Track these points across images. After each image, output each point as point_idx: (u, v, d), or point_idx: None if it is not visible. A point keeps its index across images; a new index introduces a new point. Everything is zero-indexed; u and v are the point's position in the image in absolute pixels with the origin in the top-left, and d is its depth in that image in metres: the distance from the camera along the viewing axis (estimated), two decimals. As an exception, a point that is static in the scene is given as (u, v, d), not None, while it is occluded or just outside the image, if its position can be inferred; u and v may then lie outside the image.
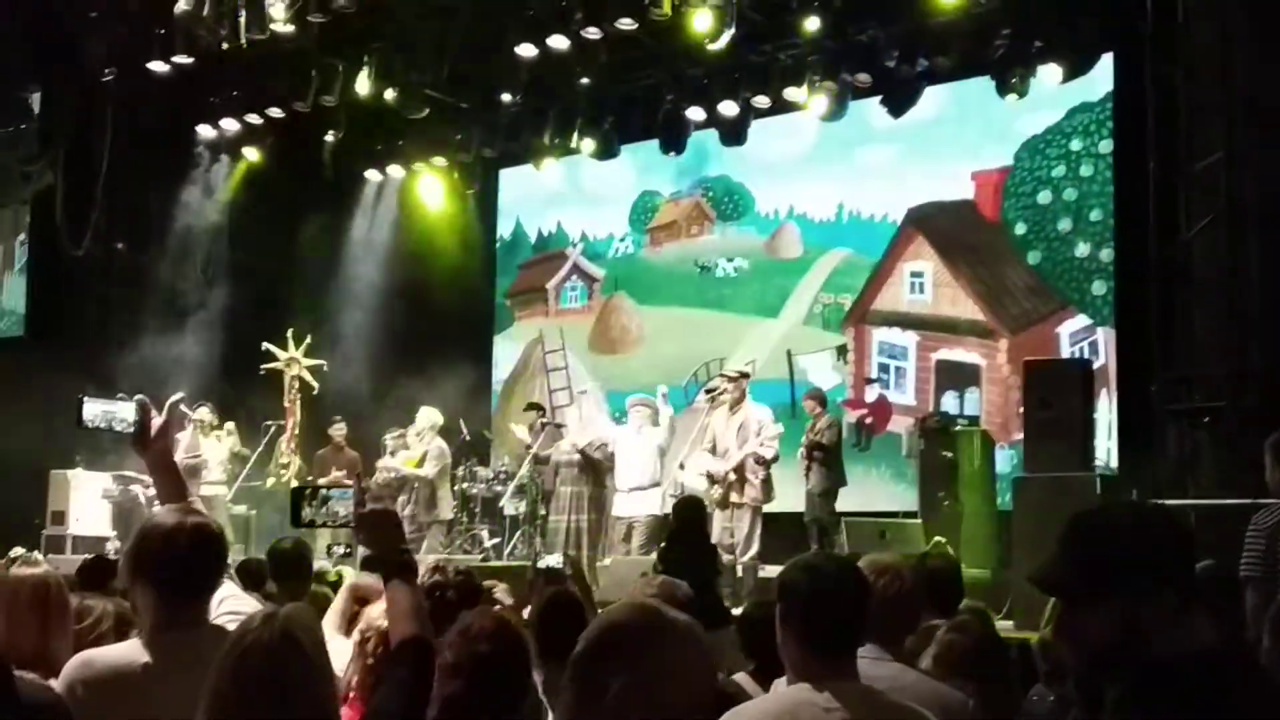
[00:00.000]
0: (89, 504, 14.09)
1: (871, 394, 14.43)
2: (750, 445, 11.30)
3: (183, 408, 12.99)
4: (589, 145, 15.11)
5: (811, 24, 12.71)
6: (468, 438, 14.77)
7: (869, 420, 14.29)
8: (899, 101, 13.24)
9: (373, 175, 16.96)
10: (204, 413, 13.74)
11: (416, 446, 13.56)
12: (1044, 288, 13.61)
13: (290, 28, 12.89)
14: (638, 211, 16.59)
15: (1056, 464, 9.23)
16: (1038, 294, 13.65)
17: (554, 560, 6.97)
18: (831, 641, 3.18)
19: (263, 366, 14.82)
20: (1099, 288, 13.28)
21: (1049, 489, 8.98)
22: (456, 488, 13.88)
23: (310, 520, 3.48)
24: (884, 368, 14.55)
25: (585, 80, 14.21)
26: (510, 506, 13.73)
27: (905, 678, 3.67)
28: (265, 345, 14.79)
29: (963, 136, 14.20)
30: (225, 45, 13.42)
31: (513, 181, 17.33)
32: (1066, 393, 9.54)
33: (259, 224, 16.14)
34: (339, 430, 14.64)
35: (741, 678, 4.27)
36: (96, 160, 15.38)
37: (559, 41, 13.06)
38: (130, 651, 3.18)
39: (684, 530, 9.38)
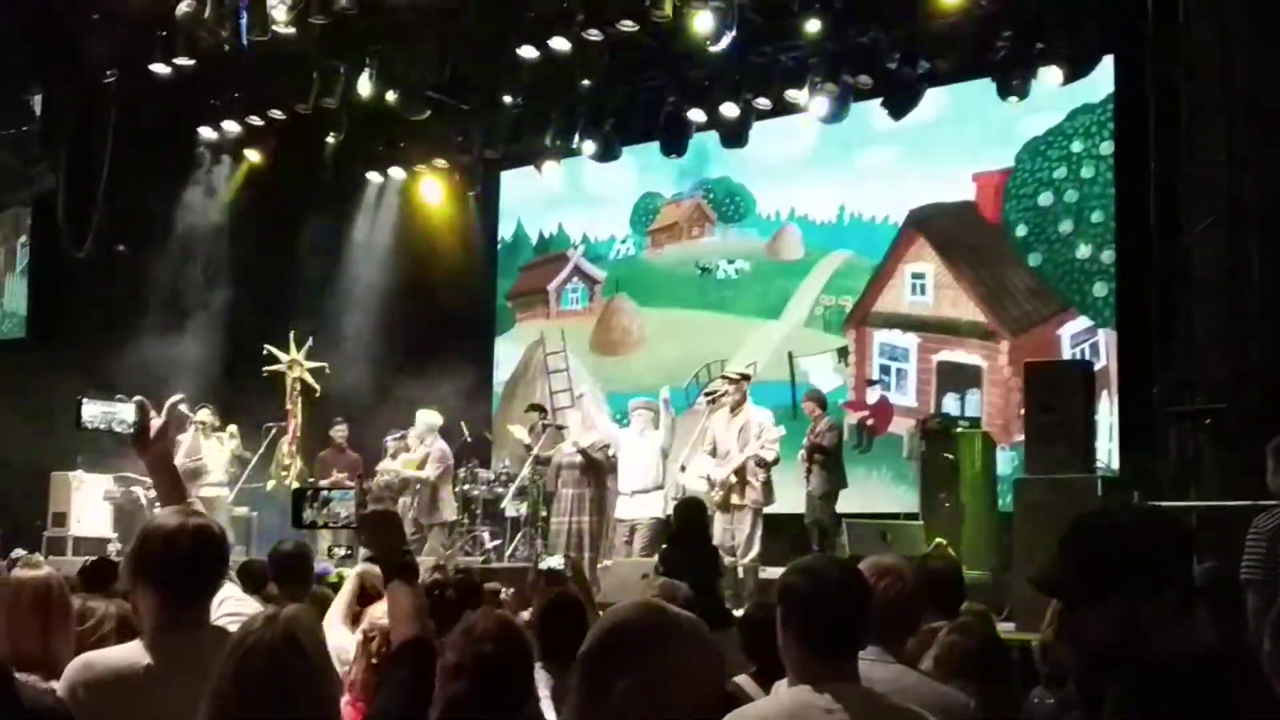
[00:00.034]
0: (90, 506, 14.11)
1: (873, 396, 14.44)
2: (751, 448, 11.30)
3: (184, 409, 13.02)
4: (590, 147, 15.12)
5: (812, 26, 12.71)
6: (469, 439, 14.77)
7: (870, 422, 14.30)
8: (900, 103, 13.25)
9: (374, 177, 16.98)
10: (205, 415, 13.74)
11: (418, 449, 13.56)
12: (1045, 289, 13.61)
13: (292, 29, 12.88)
14: (639, 213, 16.60)
15: (1058, 466, 9.23)
16: (1039, 296, 13.65)
17: (555, 562, 6.98)
18: (832, 644, 3.19)
19: (265, 369, 14.83)
20: (1100, 289, 13.28)
21: (1050, 491, 8.98)
22: (458, 489, 13.88)
23: (311, 522, 3.48)
24: (885, 369, 14.55)
25: (586, 82, 14.21)
26: (511, 508, 13.72)
27: (906, 679, 3.67)
28: (267, 348, 14.79)
29: (964, 138, 14.21)
30: (226, 47, 13.43)
31: (514, 183, 17.34)
32: (1068, 394, 9.54)
33: (260, 226, 16.15)
34: (340, 432, 14.66)
35: (743, 680, 4.27)
36: (98, 162, 15.38)
37: (560, 43, 13.06)
38: (132, 653, 3.18)
39: (685, 532, 9.38)
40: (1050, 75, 12.51)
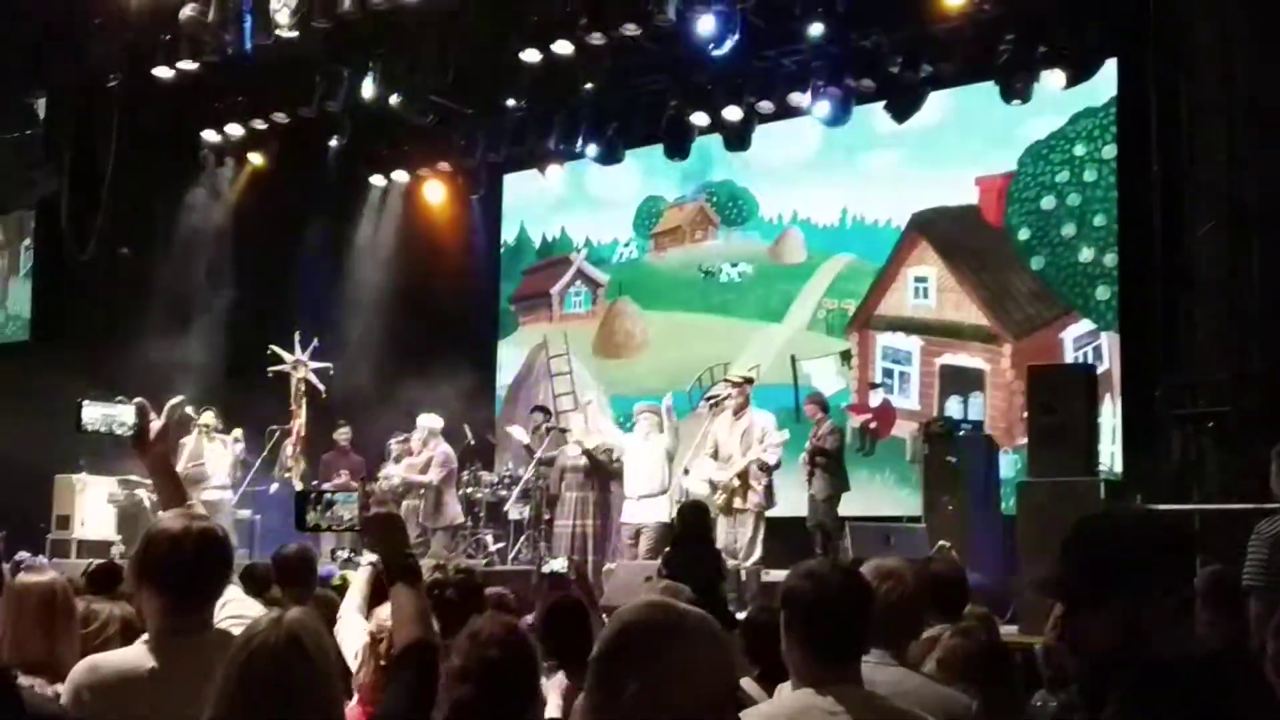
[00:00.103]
0: (94, 508, 14.12)
1: (875, 399, 14.44)
2: (754, 452, 11.30)
3: (190, 410, 13.03)
4: (593, 150, 15.14)
5: (815, 29, 12.71)
6: (472, 443, 14.78)
7: (873, 425, 14.30)
8: (903, 107, 13.25)
9: (377, 180, 16.98)
10: (209, 417, 13.75)
11: (421, 453, 13.56)
12: (1048, 293, 13.61)
13: (295, 33, 12.90)
14: (642, 216, 16.60)
15: (1060, 469, 9.23)
16: (1041, 299, 13.65)
17: (558, 565, 6.98)
18: (835, 648, 3.20)
19: (269, 369, 14.84)
20: (1103, 293, 13.28)
21: (1053, 494, 8.98)
22: (461, 493, 13.88)
23: (315, 524, 3.48)
24: (888, 373, 14.55)
25: (589, 85, 14.22)
26: (515, 511, 13.73)
27: (909, 682, 3.68)
28: (271, 348, 14.80)
29: (966, 142, 14.21)
30: (230, 50, 13.45)
31: (517, 186, 17.35)
32: (1070, 398, 9.54)
33: (263, 229, 16.14)
34: (344, 434, 14.67)
35: (745, 683, 4.27)
36: (101, 165, 15.38)
37: (563, 47, 13.05)
38: (136, 656, 3.18)
39: (688, 535, 9.38)
40: (1053, 79, 12.51)
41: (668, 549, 9.77)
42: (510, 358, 17.39)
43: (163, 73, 14.10)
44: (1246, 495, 8.24)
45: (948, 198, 14.28)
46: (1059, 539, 2.34)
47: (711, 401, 12.17)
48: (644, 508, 11.89)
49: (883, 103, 13.38)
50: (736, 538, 11.26)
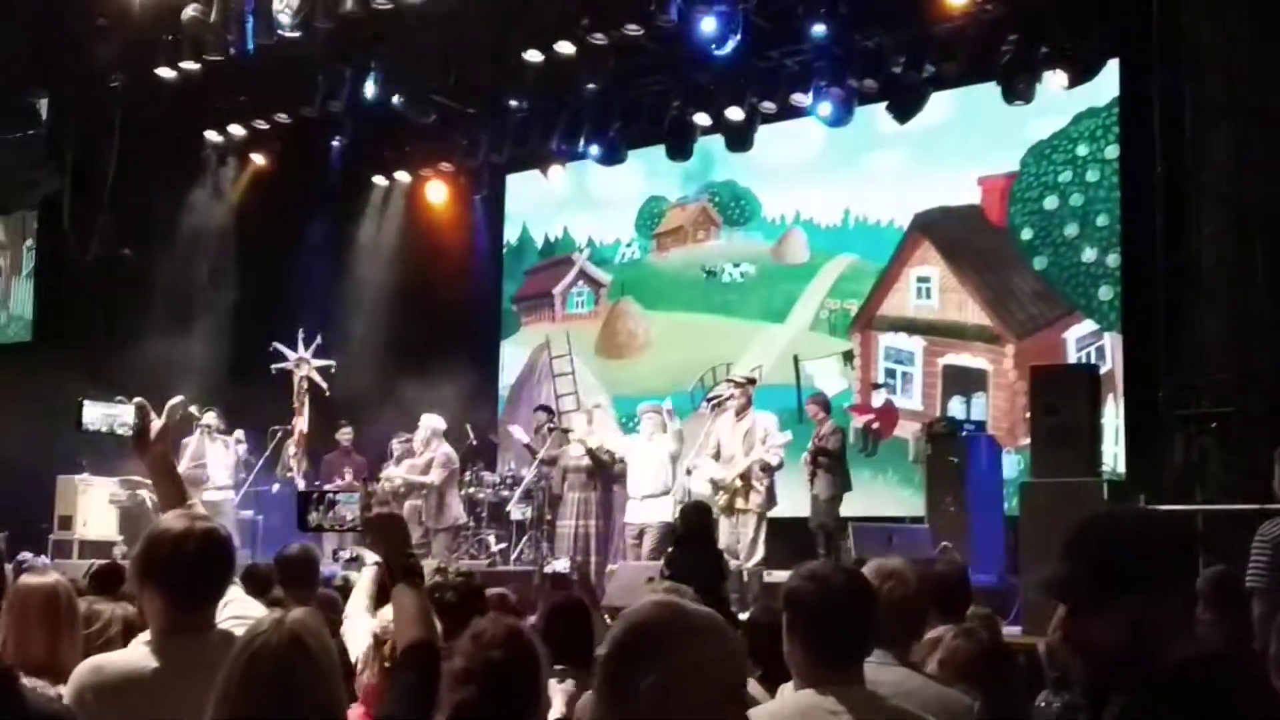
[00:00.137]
0: (96, 509, 14.13)
1: (878, 399, 14.43)
2: (757, 452, 11.30)
3: (194, 409, 13.03)
4: (595, 150, 15.14)
5: (818, 29, 12.73)
6: (475, 443, 14.77)
7: (876, 425, 14.30)
8: (905, 107, 13.23)
9: (379, 180, 16.98)
10: (211, 418, 13.76)
11: (423, 453, 13.56)
12: (1050, 293, 13.61)
13: (297, 33, 12.91)
14: (644, 217, 16.60)
15: (1063, 469, 9.22)
16: (1044, 299, 13.65)
17: (561, 565, 6.98)
18: (838, 650, 3.20)
19: (272, 366, 14.84)
20: (1105, 293, 13.27)
21: (1056, 494, 8.97)
22: (463, 493, 13.88)
23: (317, 525, 3.47)
24: (890, 373, 14.54)
25: (592, 86, 14.21)
26: (517, 511, 13.73)
27: (910, 682, 3.67)
28: (275, 345, 14.81)
29: (969, 142, 14.20)
30: (232, 51, 13.45)
31: (519, 187, 17.35)
32: (1073, 398, 9.53)
33: (266, 229, 16.15)
34: (346, 435, 14.67)
35: (748, 683, 4.26)
36: (104, 165, 15.40)
37: (565, 47, 13.06)
38: (139, 657, 3.18)
39: (690, 535, 9.38)
40: (1055, 79, 12.51)
41: (670, 549, 9.77)
42: (513, 358, 17.38)
43: (165, 73, 14.12)
44: (1249, 496, 8.24)
45: (950, 198, 14.27)
46: (1061, 540, 2.33)
47: (714, 402, 12.16)
48: (647, 508, 11.89)
49: (885, 103, 13.35)
50: (738, 538, 11.25)
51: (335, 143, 15.75)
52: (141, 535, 3.33)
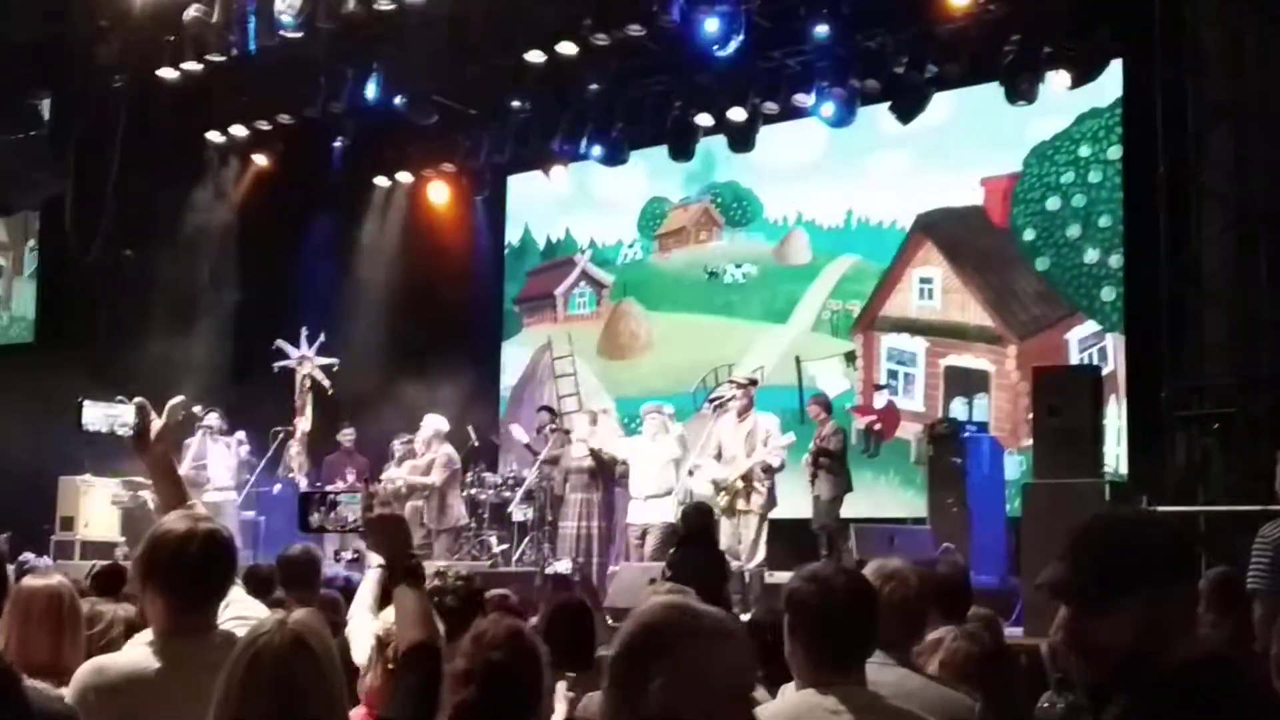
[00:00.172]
0: (98, 509, 14.13)
1: (880, 400, 14.43)
2: (759, 454, 11.30)
3: (198, 409, 13.03)
4: (597, 151, 15.14)
5: (820, 30, 12.73)
6: (476, 444, 14.76)
7: (878, 426, 14.30)
8: (908, 107, 13.22)
9: (381, 181, 16.98)
10: (213, 419, 13.76)
11: (424, 454, 13.56)
12: (1053, 294, 13.60)
13: (299, 34, 12.91)
14: (646, 217, 16.59)
15: (1065, 470, 9.22)
16: (1046, 300, 13.64)
17: (563, 566, 6.98)
18: (839, 652, 3.20)
19: (275, 364, 14.84)
20: (1108, 294, 13.26)
21: (1058, 496, 8.96)
22: (465, 494, 13.87)
23: (319, 526, 3.47)
24: (893, 374, 14.54)
25: (594, 86, 14.22)
26: (519, 512, 13.72)
27: (910, 683, 3.67)
28: (278, 343, 14.81)
29: (971, 142, 14.19)
30: (234, 52, 13.46)
31: (521, 187, 17.35)
32: (1076, 399, 9.53)
33: (268, 230, 16.15)
34: (348, 436, 14.67)
35: (750, 684, 4.26)
36: (106, 166, 15.40)
37: (568, 48, 13.07)
38: (141, 658, 3.18)
39: (692, 537, 9.37)
40: (1058, 79, 12.51)
41: (672, 550, 9.77)
42: (514, 359, 17.38)
43: (167, 74, 14.12)
44: (1251, 497, 8.23)
45: (953, 198, 14.27)
46: (1064, 541, 2.33)
47: (716, 403, 12.17)
48: (650, 508, 11.89)
49: (888, 103, 13.35)
50: (740, 539, 11.26)
51: (337, 143, 15.73)
52: (143, 536, 3.33)
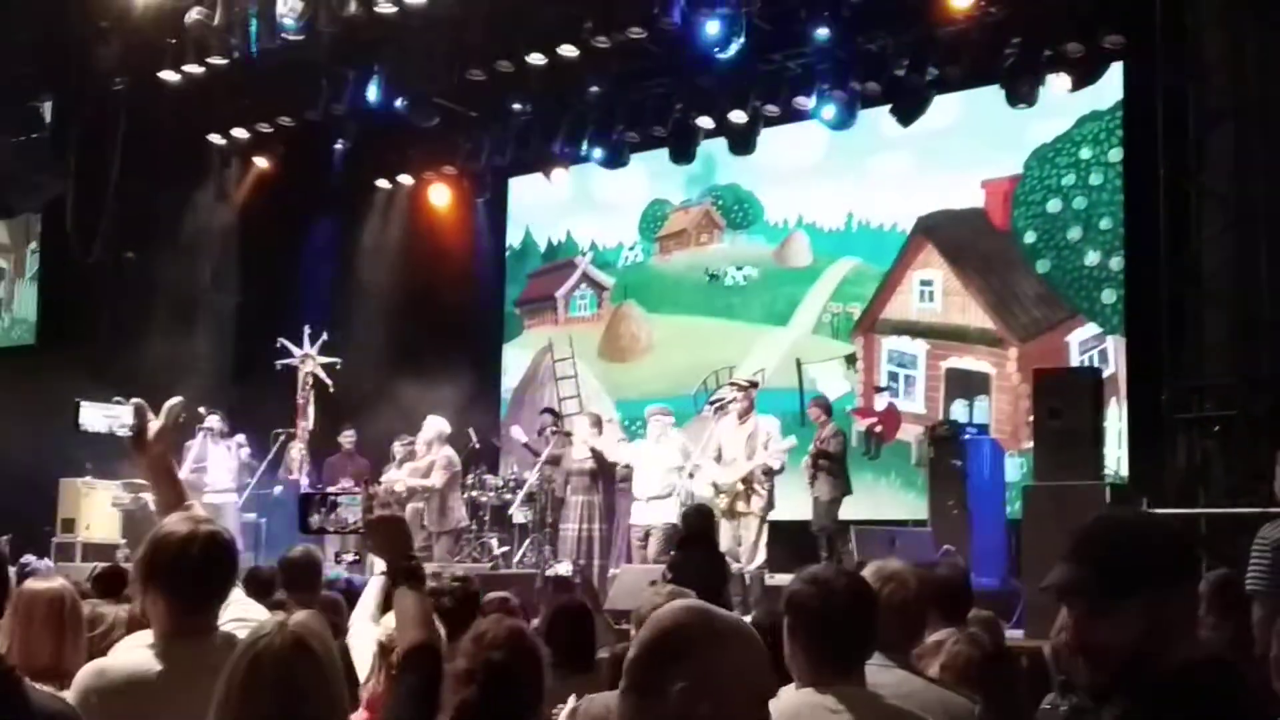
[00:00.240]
0: (99, 511, 14.14)
1: (881, 402, 14.43)
2: (760, 456, 11.30)
3: (201, 410, 13.03)
4: (598, 154, 15.14)
5: (821, 33, 12.73)
6: (477, 446, 14.76)
7: (878, 428, 14.29)
8: (908, 110, 13.22)
9: (382, 183, 16.98)
10: (214, 421, 13.76)
11: (425, 456, 13.55)
12: (1054, 296, 13.60)
13: (301, 36, 12.93)
14: (647, 220, 16.60)
15: (1066, 473, 9.22)
16: (1047, 302, 13.64)
17: (563, 568, 6.98)
18: (839, 654, 3.20)
19: (277, 362, 14.84)
20: (1109, 296, 13.26)
21: (1058, 498, 8.96)
22: (466, 496, 13.87)
23: (319, 527, 3.47)
24: (893, 376, 14.54)
25: (595, 89, 14.23)
26: (520, 514, 13.72)
27: (910, 684, 3.67)
28: (280, 341, 14.81)
29: (972, 145, 14.19)
30: (236, 54, 13.47)
31: (522, 190, 17.35)
32: (1076, 401, 9.53)
33: (269, 232, 16.16)
34: (349, 438, 14.66)
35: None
36: (107, 169, 15.41)
37: (568, 50, 13.08)
38: (143, 660, 3.18)
39: (693, 538, 9.37)
40: (1059, 82, 12.51)
41: (672, 552, 9.77)
42: (515, 361, 17.38)
43: (169, 76, 14.13)
44: (1252, 499, 8.24)
45: (953, 201, 14.27)
46: (1065, 543, 2.33)
47: (716, 405, 12.17)
48: (653, 509, 11.90)
49: (888, 106, 13.33)
50: (740, 541, 11.26)
51: (338, 146, 15.74)
52: (145, 538, 3.33)
